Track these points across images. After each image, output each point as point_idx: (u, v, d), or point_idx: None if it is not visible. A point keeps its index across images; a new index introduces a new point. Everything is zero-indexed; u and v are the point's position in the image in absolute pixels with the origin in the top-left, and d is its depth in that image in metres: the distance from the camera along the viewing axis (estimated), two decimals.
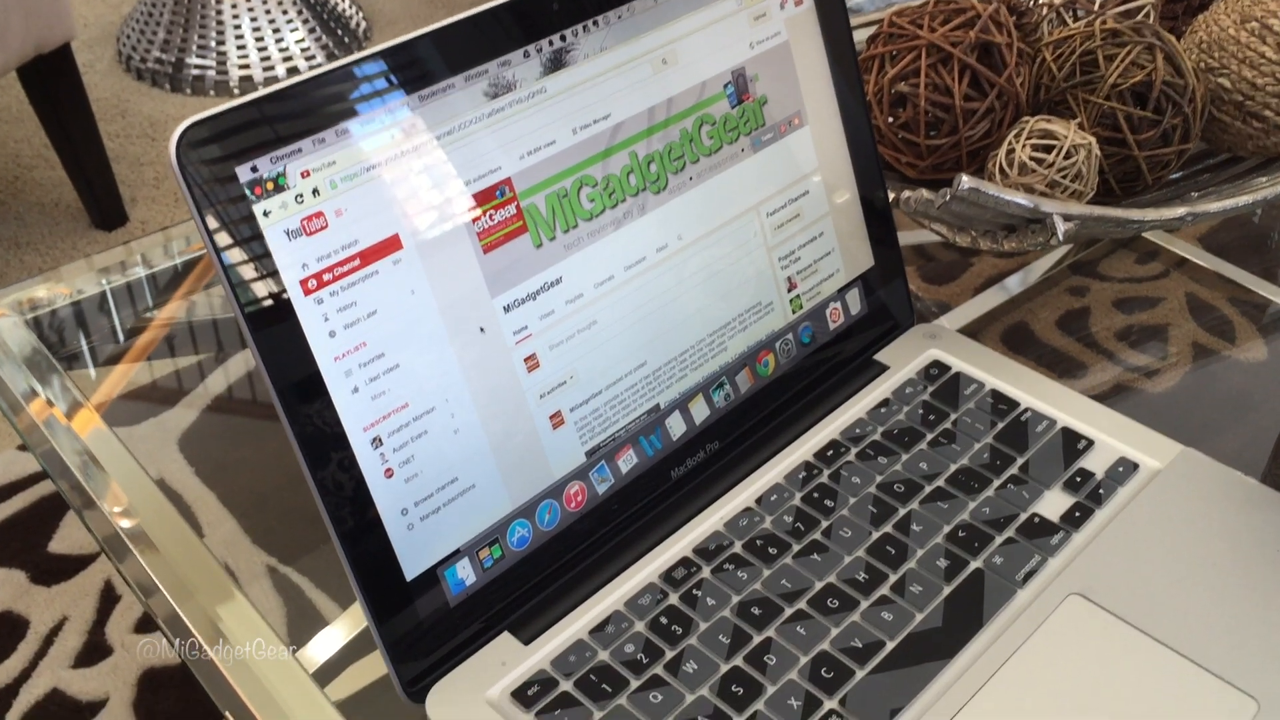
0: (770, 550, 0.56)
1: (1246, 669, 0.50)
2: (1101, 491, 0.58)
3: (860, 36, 0.71)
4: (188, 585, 0.58)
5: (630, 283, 0.56)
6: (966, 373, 0.65)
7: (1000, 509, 0.58)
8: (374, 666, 0.55)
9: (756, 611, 0.53)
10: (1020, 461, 0.60)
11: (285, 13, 2.15)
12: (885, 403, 0.64)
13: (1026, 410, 0.63)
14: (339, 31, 2.19)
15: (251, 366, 0.78)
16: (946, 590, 0.54)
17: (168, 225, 0.85)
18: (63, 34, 1.58)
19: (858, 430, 0.62)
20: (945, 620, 0.53)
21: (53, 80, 1.62)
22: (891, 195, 0.67)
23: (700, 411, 0.59)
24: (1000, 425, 0.62)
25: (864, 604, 0.53)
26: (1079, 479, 0.59)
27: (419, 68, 0.48)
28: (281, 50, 2.12)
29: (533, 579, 0.54)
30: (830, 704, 0.50)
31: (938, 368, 0.66)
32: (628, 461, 0.57)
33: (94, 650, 1.10)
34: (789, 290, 0.62)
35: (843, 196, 0.64)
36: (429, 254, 0.49)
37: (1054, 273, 0.83)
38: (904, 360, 0.66)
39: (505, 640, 0.52)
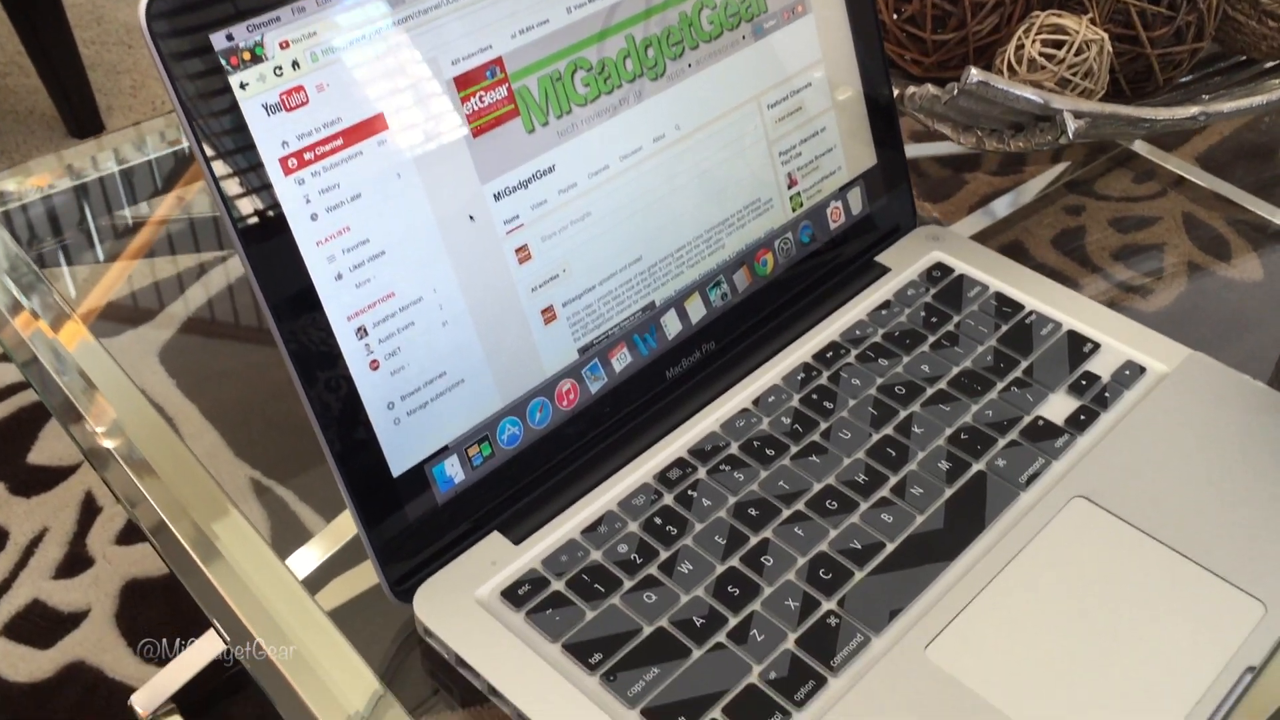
0: (768, 452, 0.54)
1: (1254, 572, 0.49)
2: (1107, 395, 0.57)
3: None
4: (177, 496, 0.56)
5: (625, 174, 0.54)
6: (970, 275, 0.63)
7: (1003, 412, 0.56)
8: (361, 579, 0.53)
9: (753, 513, 0.52)
10: (1024, 364, 0.58)
11: None
12: (886, 305, 0.62)
13: (1031, 313, 0.61)
14: None
15: (234, 278, 0.76)
16: (948, 493, 0.53)
17: (142, 120, 0.82)
18: None
19: (858, 332, 0.60)
20: (946, 522, 0.51)
21: None
22: (896, 92, 0.65)
23: (696, 310, 0.58)
24: (1004, 328, 0.60)
25: (863, 506, 0.52)
26: (1084, 382, 0.57)
27: None
28: None
29: (523, 479, 0.52)
30: (828, 605, 0.48)
31: (940, 270, 0.64)
32: (621, 360, 0.55)
33: (75, 562, 1.09)
34: (789, 187, 0.60)
35: (846, 92, 0.62)
36: (415, 136, 0.47)
37: (1050, 191, 0.81)
38: (906, 262, 0.64)
39: (495, 540, 0.51)
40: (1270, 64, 0.73)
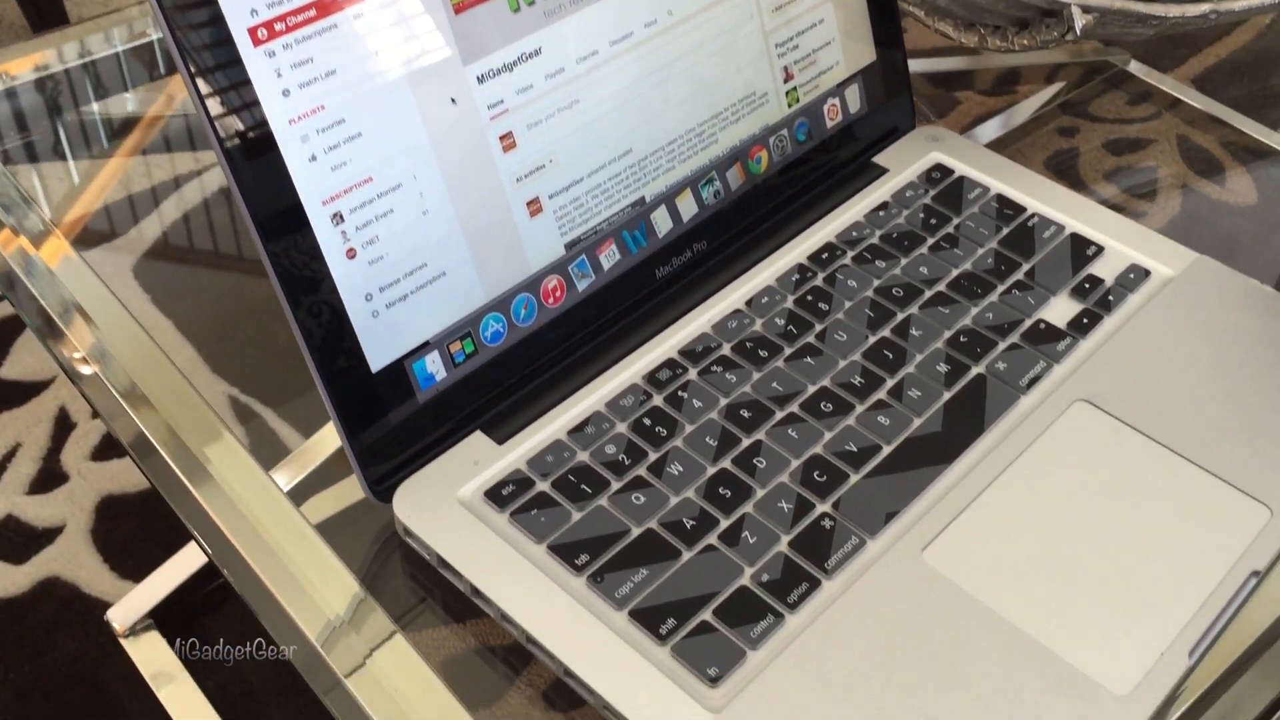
0: (760, 353, 0.53)
1: (1260, 476, 0.48)
2: (1111, 298, 0.55)
3: None
4: (158, 408, 0.54)
5: (615, 60, 0.51)
6: (970, 177, 0.61)
7: (1004, 315, 0.54)
8: (341, 495, 0.52)
9: (745, 414, 0.50)
10: (1026, 267, 0.57)
11: None
12: (884, 206, 0.60)
13: (1033, 215, 0.59)
14: None
15: (210, 192, 0.73)
16: (946, 396, 0.51)
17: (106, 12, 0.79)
18: None
19: (854, 234, 0.58)
20: (945, 425, 0.50)
21: None
22: None
23: (688, 208, 0.55)
24: (1005, 230, 0.58)
25: (859, 408, 0.50)
26: (1088, 285, 0.56)
27: None
28: None
29: (507, 378, 0.50)
30: (823, 507, 0.47)
31: (940, 171, 0.61)
32: (610, 258, 0.53)
33: (49, 477, 1.07)
34: (785, 81, 0.58)
35: None
36: (393, 10, 0.44)
37: (1043, 112, 0.79)
38: (904, 163, 0.62)
39: (477, 439, 0.49)
40: None
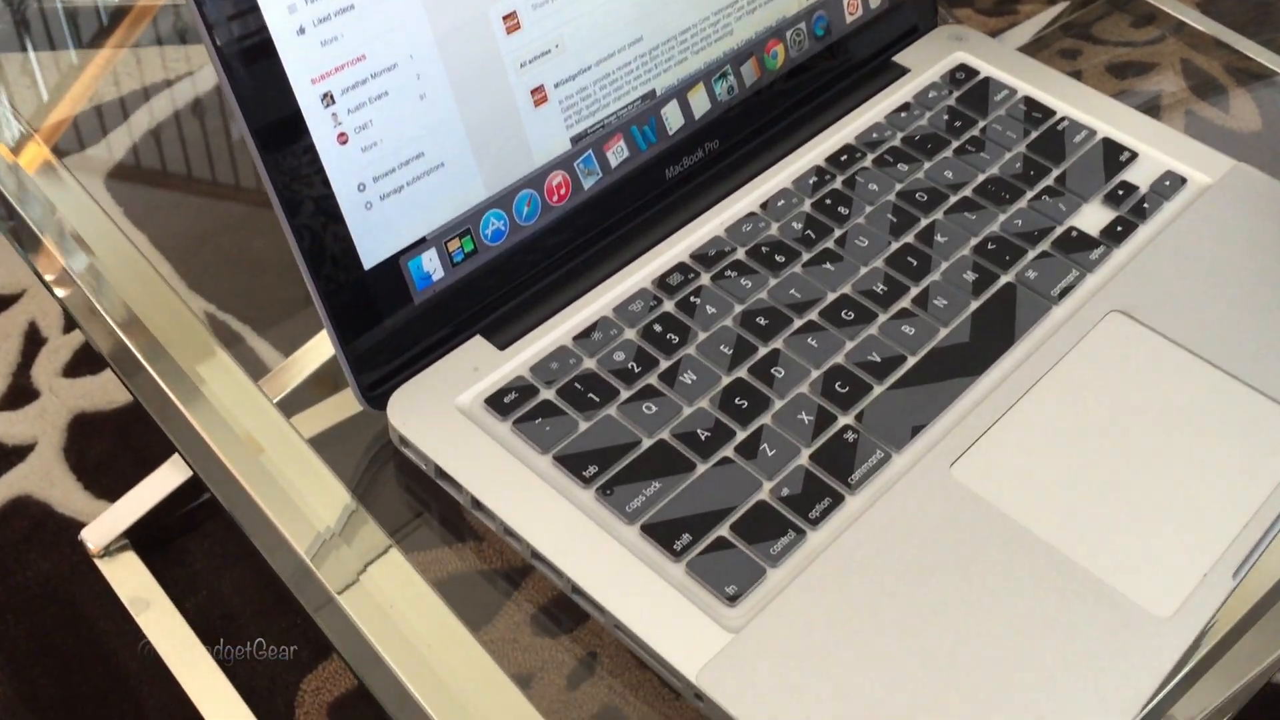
0: (777, 258, 0.49)
1: None
2: (1146, 206, 0.52)
3: None
4: (138, 316, 0.50)
5: None
6: (996, 78, 0.58)
7: (1034, 222, 0.51)
8: (332, 408, 0.48)
9: (762, 322, 0.47)
10: (1056, 173, 0.54)
11: None
12: (905, 107, 0.56)
13: (1063, 119, 0.56)
14: None
15: (183, 103, 0.69)
16: (974, 305, 0.48)
17: None
18: None
19: (874, 135, 0.55)
20: (973, 336, 0.47)
21: None
22: None
23: (700, 104, 0.52)
24: (1034, 134, 0.55)
25: (882, 317, 0.47)
26: (1121, 192, 0.53)
27: None
28: None
29: (509, 280, 0.47)
30: (845, 419, 0.44)
31: (964, 72, 0.58)
32: (618, 154, 0.50)
33: (19, 394, 1.03)
34: None
35: None
36: None
37: (1045, 34, 0.76)
38: (927, 63, 0.59)
39: (477, 345, 0.46)
40: None
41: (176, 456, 0.97)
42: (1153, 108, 0.70)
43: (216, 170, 0.66)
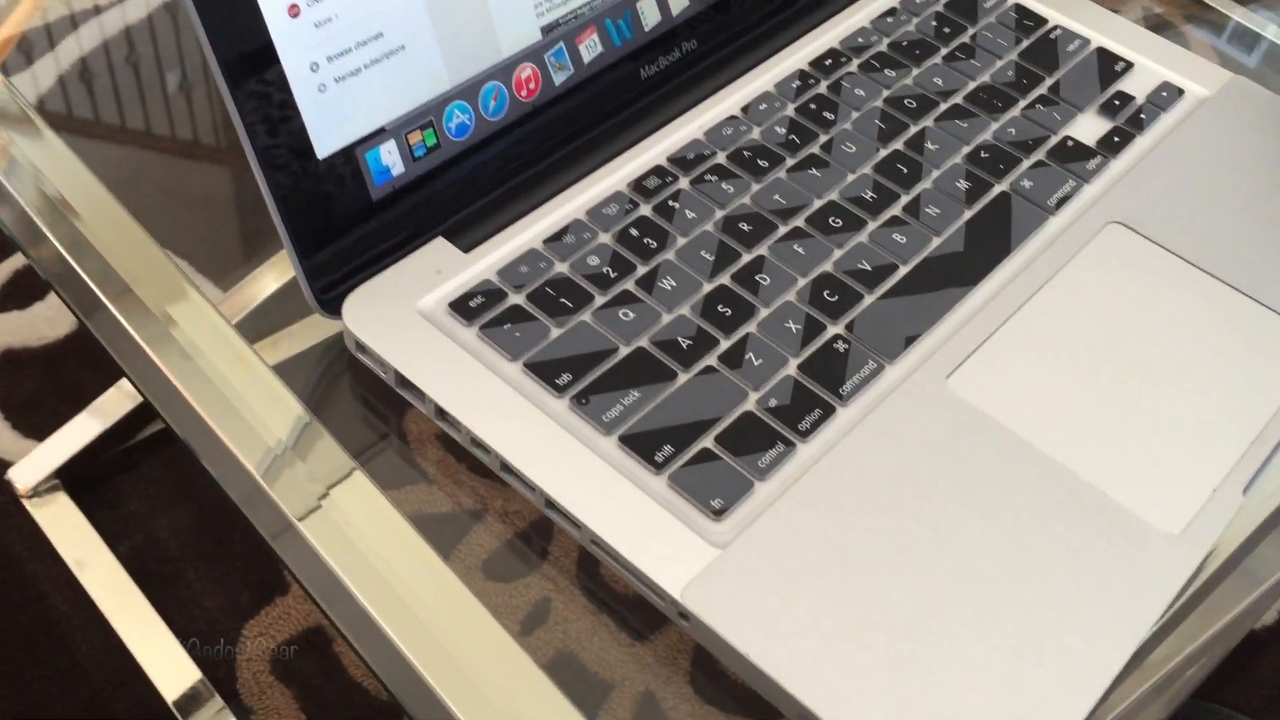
0: (760, 163, 0.46)
1: None
2: (1143, 117, 0.50)
3: None
4: (81, 225, 0.46)
5: None
6: None
7: (1027, 131, 0.49)
8: (283, 331, 0.45)
9: (745, 228, 0.44)
10: (1049, 82, 0.51)
11: None
12: (892, 12, 0.53)
13: (1056, 28, 0.53)
14: None
15: (111, 35, 0.65)
16: (968, 214, 0.46)
17: None
18: None
19: (860, 40, 0.52)
20: (967, 245, 0.44)
21: None
22: None
23: (678, 0, 0.49)
24: (1026, 42, 0.52)
25: (872, 225, 0.45)
26: (1117, 103, 0.50)
27: None
28: None
29: (474, 179, 0.44)
30: (835, 329, 0.41)
31: None
32: (591, 49, 0.46)
33: None
34: None
35: None
36: None
37: None
38: None
39: (440, 247, 0.42)
40: None
41: (110, 394, 0.93)
42: (1149, 23, 0.67)
43: (146, 94, 0.62)
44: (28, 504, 0.88)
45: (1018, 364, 0.41)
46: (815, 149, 0.47)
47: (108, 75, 0.59)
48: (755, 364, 0.40)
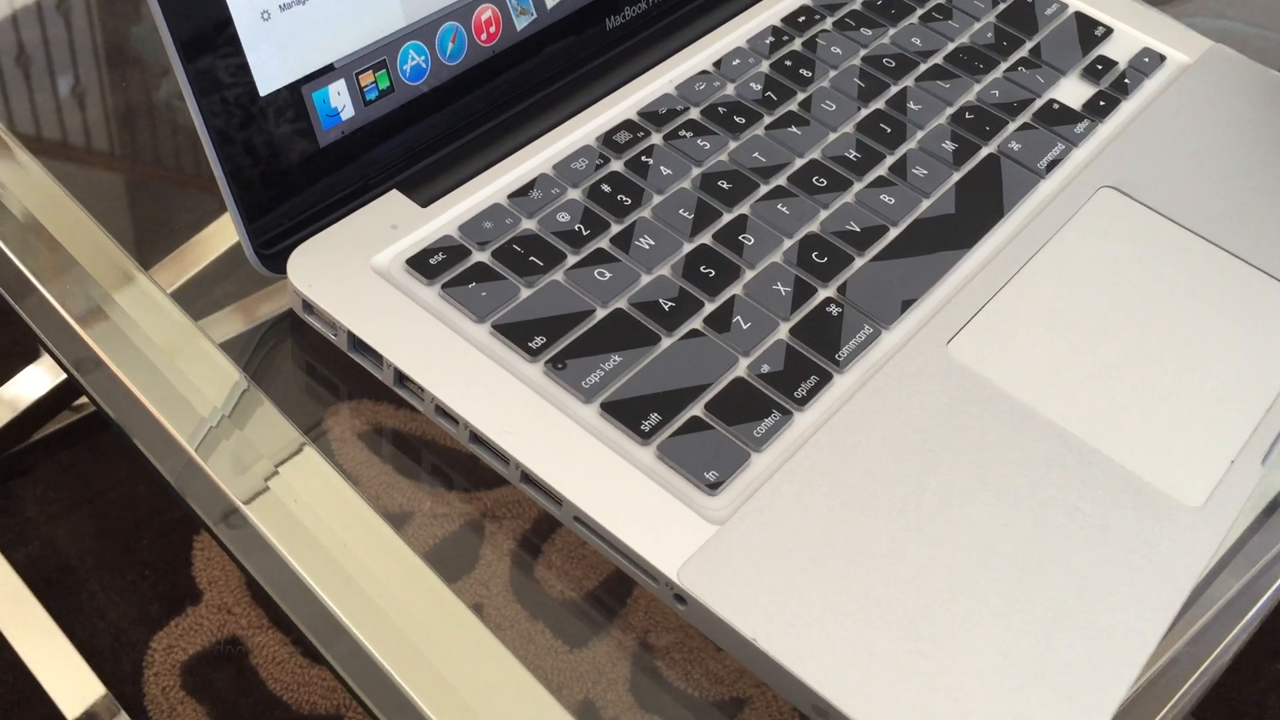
0: (736, 119, 0.43)
1: None
2: (1127, 81, 0.48)
3: None
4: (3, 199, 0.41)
5: None
6: None
7: (1011, 93, 0.47)
8: (221, 312, 0.40)
9: (725, 186, 0.41)
10: (1029, 45, 0.49)
11: None
12: None
13: None
14: None
15: None
16: (957, 176, 0.43)
17: None
18: None
19: None
20: (959, 208, 0.42)
21: None
22: None
23: None
24: (1002, 5, 0.50)
25: (858, 185, 0.42)
26: (1100, 67, 0.48)
27: None
28: None
29: (430, 128, 0.40)
30: (826, 292, 0.38)
31: None
32: None
33: None
34: None
35: None
36: None
37: None
38: None
39: (394, 200, 0.38)
40: None
41: (1, 391, 0.86)
42: None
43: (77, 52, 0.57)
44: None
45: (1019, 330, 0.38)
46: (794, 106, 0.44)
47: (37, 24, 0.54)
48: (744, 328, 0.37)
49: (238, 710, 0.79)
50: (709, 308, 0.37)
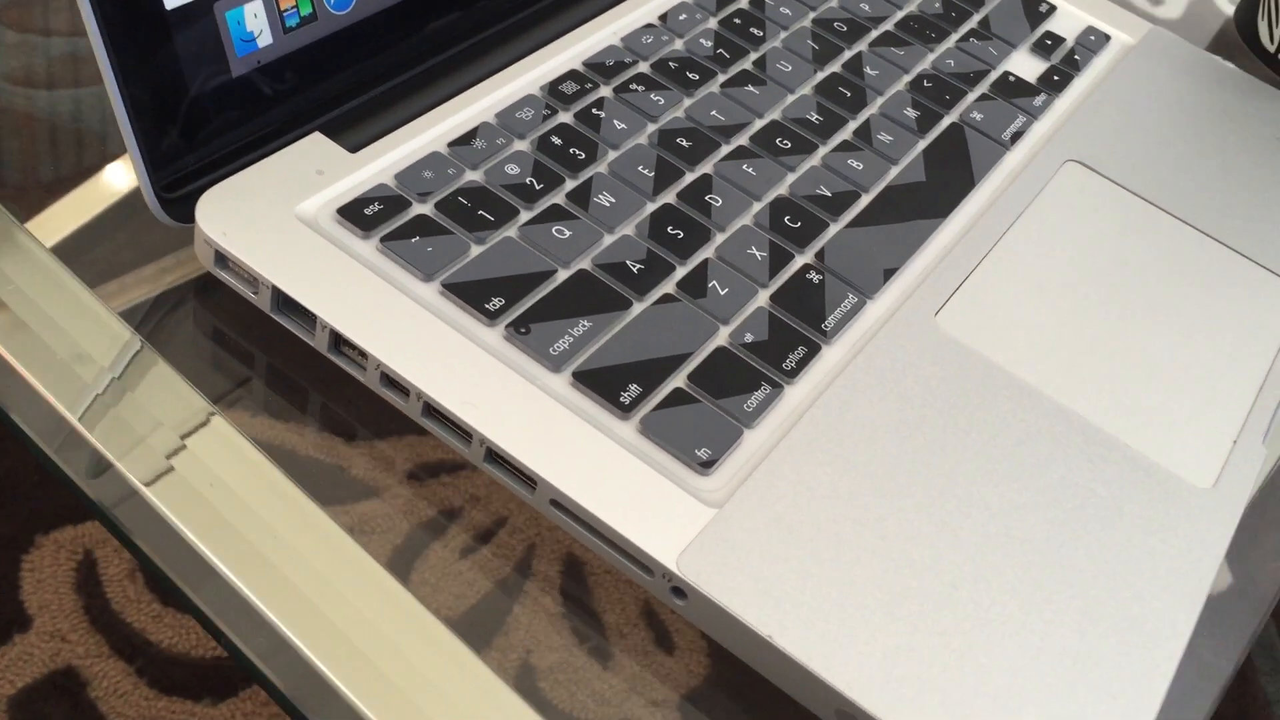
0: (689, 75, 0.40)
1: (1265, 246, 0.40)
2: (1077, 58, 0.46)
3: None
4: None
5: None
6: None
7: (966, 64, 0.44)
8: (114, 268, 0.34)
9: (684, 143, 0.37)
10: (977, 17, 0.47)
11: None
12: None
13: None
14: None
15: None
16: (923, 144, 0.40)
17: None
18: None
19: None
20: (929, 175, 0.39)
21: None
22: None
23: None
24: None
25: (823, 149, 0.39)
26: (1049, 42, 0.46)
27: None
28: None
29: (357, 65, 0.35)
30: (804, 258, 0.35)
31: None
32: None
33: None
34: None
35: None
36: None
37: None
38: None
39: (318, 142, 0.33)
40: None
41: None
42: None
43: None
44: None
45: (1005, 304, 0.35)
46: (748, 66, 0.41)
47: None
48: (721, 293, 0.33)
49: None
50: (681, 271, 0.33)
